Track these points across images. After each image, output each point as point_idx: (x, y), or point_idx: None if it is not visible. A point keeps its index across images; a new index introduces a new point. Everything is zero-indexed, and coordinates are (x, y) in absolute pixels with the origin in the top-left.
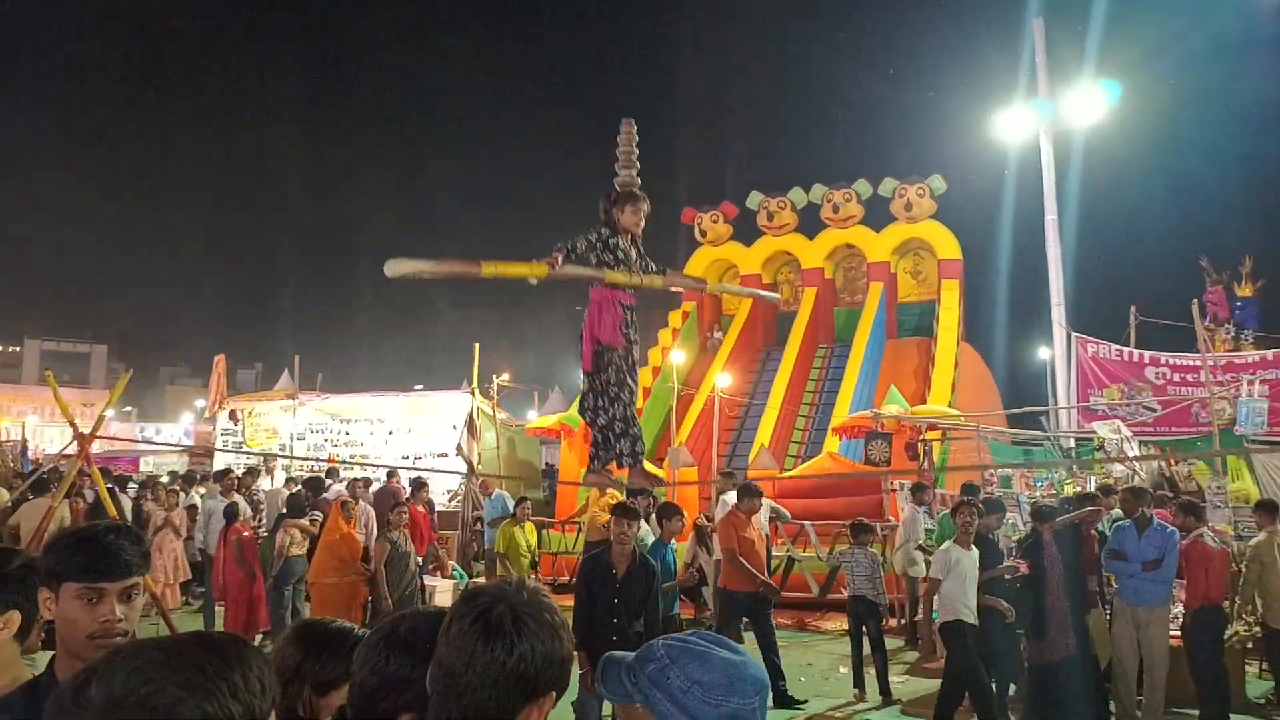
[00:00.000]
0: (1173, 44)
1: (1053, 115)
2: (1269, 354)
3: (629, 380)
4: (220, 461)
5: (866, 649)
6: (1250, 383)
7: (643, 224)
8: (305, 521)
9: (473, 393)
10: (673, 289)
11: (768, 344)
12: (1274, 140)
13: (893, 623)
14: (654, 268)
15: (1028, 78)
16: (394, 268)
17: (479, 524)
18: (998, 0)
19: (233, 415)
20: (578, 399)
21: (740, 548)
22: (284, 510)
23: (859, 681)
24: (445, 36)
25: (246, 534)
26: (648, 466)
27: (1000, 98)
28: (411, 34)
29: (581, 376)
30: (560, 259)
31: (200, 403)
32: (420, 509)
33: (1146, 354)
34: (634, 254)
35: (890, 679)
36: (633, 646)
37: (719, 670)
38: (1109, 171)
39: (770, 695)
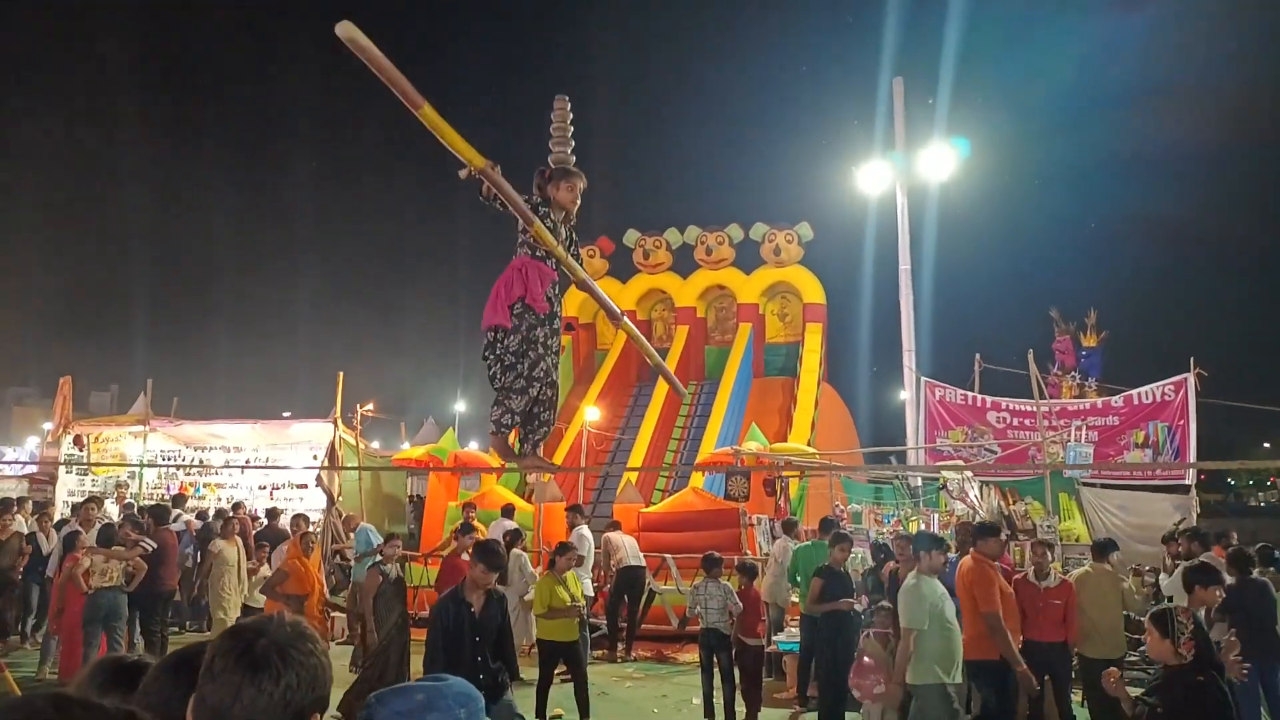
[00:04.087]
0: (1023, 107)
1: (907, 169)
2: (1099, 401)
3: (546, 351)
4: (65, 492)
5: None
6: (1079, 428)
7: (578, 202)
8: (121, 548)
9: (335, 422)
10: (586, 291)
11: (640, 380)
12: (1111, 200)
13: None
14: (579, 255)
15: (888, 132)
16: (347, 29)
17: (338, 557)
18: (864, 58)
19: (78, 440)
20: (491, 370)
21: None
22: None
23: (709, 711)
24: (303, 42)
25: (88, 564)
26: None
27: (864, 150)
28: (268, 40)
29: (494, 337)
30: (499, 171)
31: (48, 426)
32: (465, 558)
33: (989, 399)
34: (564, 233)
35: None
36: (495, 682)
37: (418, 694)
38: (960, 225)
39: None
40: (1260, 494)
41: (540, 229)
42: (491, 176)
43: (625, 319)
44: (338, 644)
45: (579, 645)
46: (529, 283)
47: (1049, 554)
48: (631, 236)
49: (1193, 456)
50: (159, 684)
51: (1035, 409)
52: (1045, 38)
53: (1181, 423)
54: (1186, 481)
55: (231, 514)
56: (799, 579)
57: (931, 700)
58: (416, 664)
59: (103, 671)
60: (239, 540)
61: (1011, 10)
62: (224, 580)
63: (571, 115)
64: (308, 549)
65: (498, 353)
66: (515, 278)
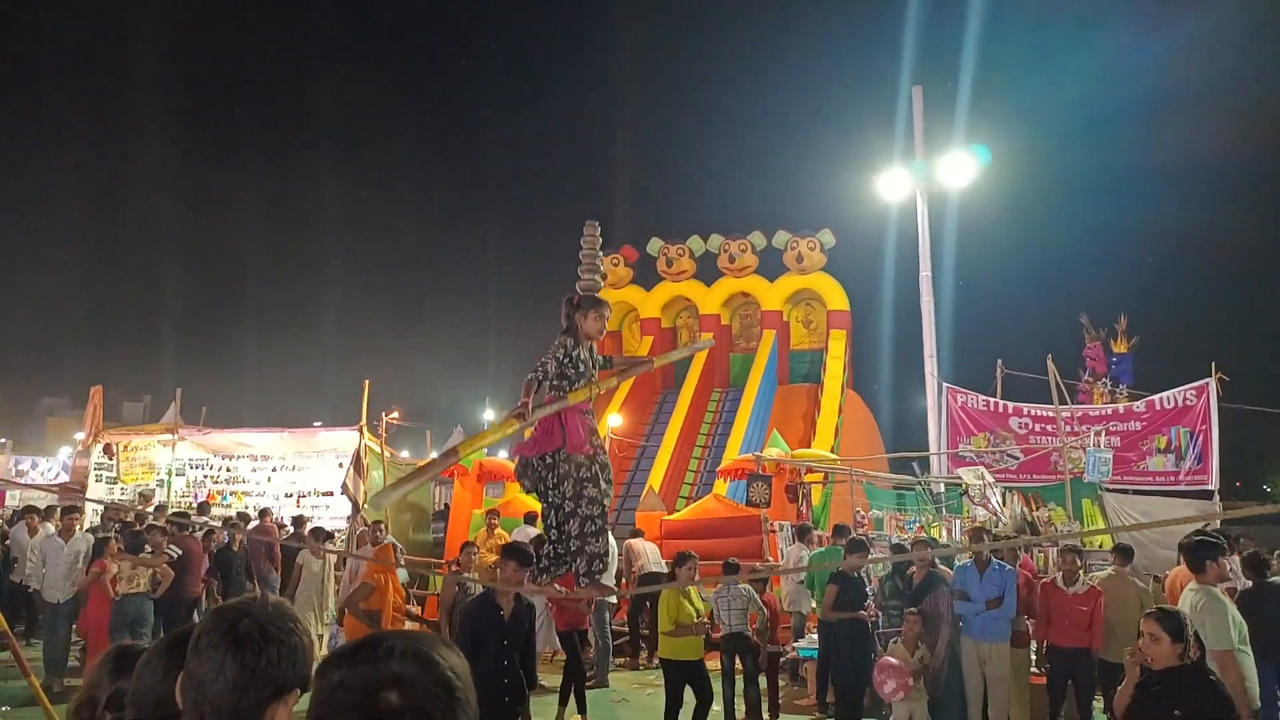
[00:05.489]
0: (1044, 115)
1: (928, 177)
2: (1121, 407)
3: (590, 490)
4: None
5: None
6: (1099, 434)
7: (604, 331)
8: (148, 555)
9: (361, 430)
10: (625, 378)
11: (665, 387)
12: (1133, 207)
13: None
14: (604, 363)
15: (908, 140)
16: (379, 500)
17: None
18: (883, 67)
19: (108, 449)
20: (549, 517)
21: None
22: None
23: (729, 717)
24: (332, 51)
25: (115, 570)
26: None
27: (885, 158)
28: (298, 49)
29: (537, 472)
30: (530, 405)
31: (80, 436)
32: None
33: (1010, 405)
34: (589, 359)
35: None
36: (519, 687)
37: None
38: (982, 232)
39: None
40: None
41: (576, 398)
42: (533, 417)
43: (653, 359)
44: None
45: (704, 665)
46: (569, 433)
47: (1078, 560)
48: (655, 245)
49: (1216, 461)
50: (153, 664)
51: (1056, 414)
52: (1065, 46)
53: (1204, 427)
54: (1210, 487)
55: (259, 519)
56: (815, 585)
57: None
58: None
59: (116, 658)
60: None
61: (1031, 19)
62: (310, 592)
63: (601, 241)
64: (398, 560)
65: (551, 501)
66: (555, 430)
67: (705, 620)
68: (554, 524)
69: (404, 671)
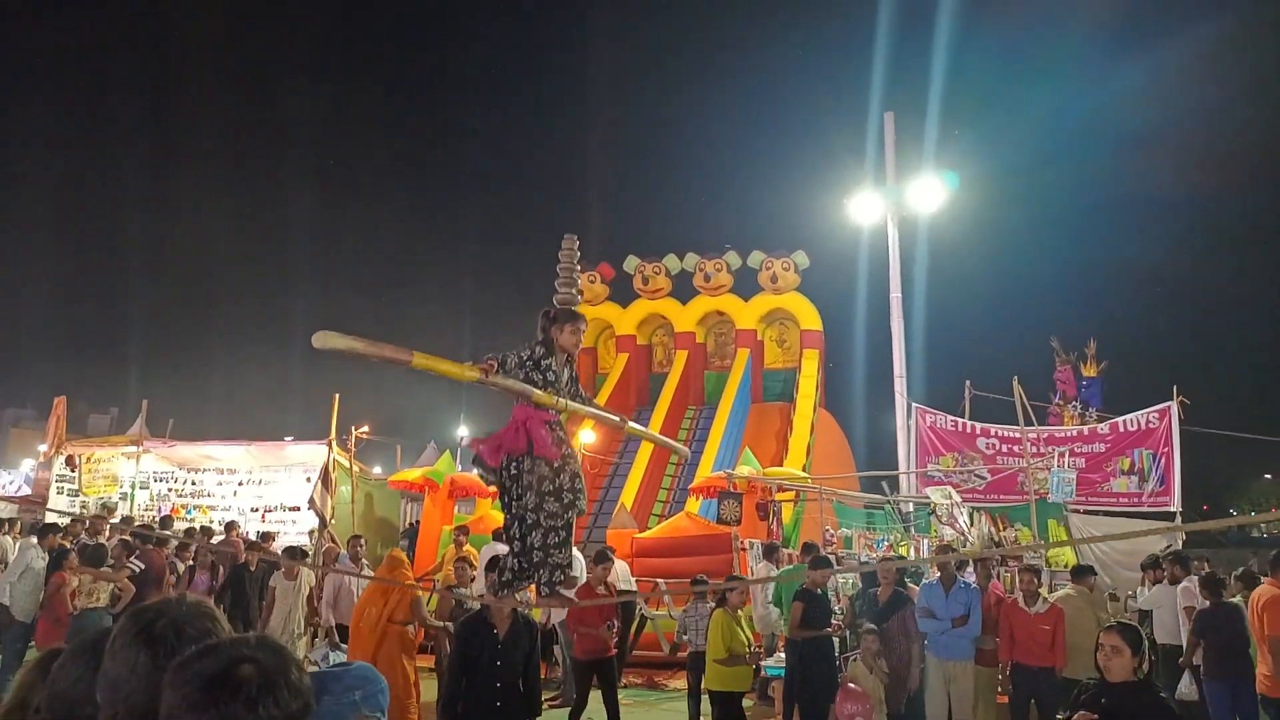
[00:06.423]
0: (1012, 143)
1: (898, 201)
2: (1085, 429)
3: (551, 504)
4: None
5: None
6: (1062, 455)
7: (580, 345)
8: (109, 569)
9: (330, 444)
10: (592, 420)
11: (640, 404)
12: (1100, 233)
13: None
14: (582, 395)
15: (879, 165)
16: (323, 340)
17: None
18: (856, 93)
19: (70, 461)
20: (513, 526)
21: None
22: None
23: None
24: (303, 63)
25: (75, 583)
26: None
27: (857, 182)
28: (268, 60)
29: (500, 480)
30: (495, 367)
31: (43, 448)
32: (601, 590)
33: (978, 425)
34: (565, 375)
35: None
36: (515, 711)
37: (314, 680)
38: (951, 256)
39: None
40: (1264, 525)
41: (541, 398)
42: (489, 382)
43: (630, 422)
44: None
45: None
46: (535, 437)
47: (1036, 579)
48: (631, 263)
49: (1178, 483)
50: (68, 667)
51: (1021, 435)
52: (1034, 76)
53: (1166, 450)
54: (1172, 508)
55: (225, 533)
56: (783, 604)
57: None
58: None
59: (51, 658)
60: (304, 572)
61: (1000, 49)
62: (282, 617)
63: (579, 255)
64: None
65: (515, 512)
66: (520, 432)
67: (760, 649)
68: (517, 534)
69: (254, 653)
